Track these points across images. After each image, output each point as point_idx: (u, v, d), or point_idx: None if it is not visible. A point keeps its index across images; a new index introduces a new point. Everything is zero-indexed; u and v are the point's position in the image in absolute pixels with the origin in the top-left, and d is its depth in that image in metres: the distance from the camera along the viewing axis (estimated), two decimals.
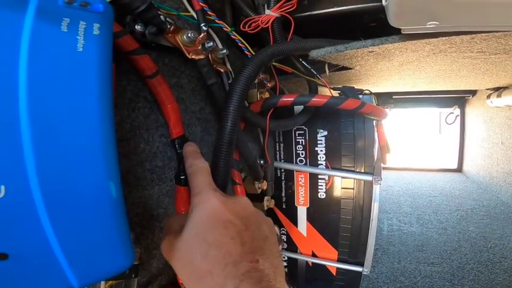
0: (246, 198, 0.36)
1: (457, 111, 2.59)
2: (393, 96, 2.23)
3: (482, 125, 2.34)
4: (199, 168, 0.39)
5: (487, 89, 1.96)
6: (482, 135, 2.35)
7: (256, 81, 0.74)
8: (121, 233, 0.31)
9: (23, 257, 0.25)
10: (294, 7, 0.65)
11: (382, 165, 1.03)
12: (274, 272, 0.29)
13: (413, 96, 2.30)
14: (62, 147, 0.26)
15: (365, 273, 0.88)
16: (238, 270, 0.28)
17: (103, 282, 0.42)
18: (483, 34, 0.59)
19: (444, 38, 0.61)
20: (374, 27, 0.77)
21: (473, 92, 2.33)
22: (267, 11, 0.65)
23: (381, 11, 0.55)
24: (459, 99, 2.50)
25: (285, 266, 1.01)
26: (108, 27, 0.31)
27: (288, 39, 0.69)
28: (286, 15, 0.66)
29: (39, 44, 0.25)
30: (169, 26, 0.51)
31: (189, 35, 0.53)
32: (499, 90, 1.83)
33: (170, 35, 0.52)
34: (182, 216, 0.36)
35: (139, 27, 0.47)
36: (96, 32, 0.29)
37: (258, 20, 0.65)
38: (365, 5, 0.68)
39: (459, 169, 2.82)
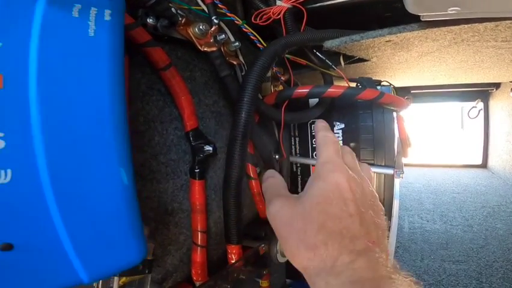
0: (367, 181, 0.35)
1: (480, 105, 2.49)
2: (412, 91, 2.17)
3: (507, 118, 2.24)
4: (331, 139, 0.37)
5: (511, 81, 1.88)
6: (507, 130, 2.26)
7: (269, 74, 0.73)
8: (132, 223, 0.30)
9: (29, 247, 0.24)
10: None
11: (403, 158, 1.00)
12: (387, 260, 0.28)
13: (432, 91, 2.23)
14: (72, 132, 0.25)
15: None
16: (355, 246, 0.28)
17: (116, 278, 0.41)
18: (508, 21, 0.56)
19: (466, 26, 0.58)
20: (389, 17, 0.75)
21: (497, 85, 2.23)
22: (278, 2, 0.64)
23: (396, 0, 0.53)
24: (482, 92, 2.41)
25: None
26: (119, 13, 0.31)
27: (301, 31, 0.68)
28: (298, 5, 0.64)
29: (50, 28, 0.25)
30: (180, 19, 0.51)
31: (201, 27, 0.53)
32: None
33: (182, 27, 0.52)
34: (284, 183, 0.39)
35: (151, 20, 0.47)
36: (107, 17, 0.29)
37: (270, 12, 0.64)
38: None
39: (484, 165, 2.72)
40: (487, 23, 0.56)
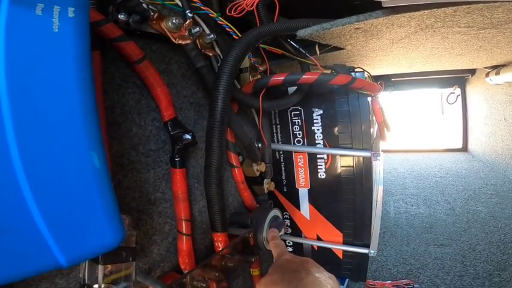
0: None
1: (458, 91, 2.57)
2: (392, 79, 2.22)
3: (484, 103, 2.32)
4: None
5: (485, 68, 1.94)
6: (484, 113, 2.34)
7: (248, 65, 0.75)
8: (107, 206, 0.32)
9: (5, 231, 0.26)
10: None
11: (382, 142, 1.03)
12: None
13: (412, 78, 2.28)
14: (43, 120, 0.27)
15: (371, 254, 0.86)
16: None
17: (100, 267, 0.42)
18: (464, 6, 0.59)
19: (426, 11, 0.61)
20: (359, 5, 0.77)
21: (472, 71, 2.31)
22: None
23: None
24: (459, 79, 2.49)
25: (291, 252, 1.01)
26: (83, 10, 0.32)
27: (274, 21, 0.70)
28: None
29: (15, 27, 0.27)
30: (152, 14, 0.52)
31: (174, 21, 0.54)
32: (497, 68, 1.81)
33: (154, 22, 0.53)
34: None
35: (122, 16, 0.48)
36: (71, 14, 0.30)
37: (243, 3, 0.66)
38: None
39: (464, 148, 2.81)
40: (445, 8, 0.58)
